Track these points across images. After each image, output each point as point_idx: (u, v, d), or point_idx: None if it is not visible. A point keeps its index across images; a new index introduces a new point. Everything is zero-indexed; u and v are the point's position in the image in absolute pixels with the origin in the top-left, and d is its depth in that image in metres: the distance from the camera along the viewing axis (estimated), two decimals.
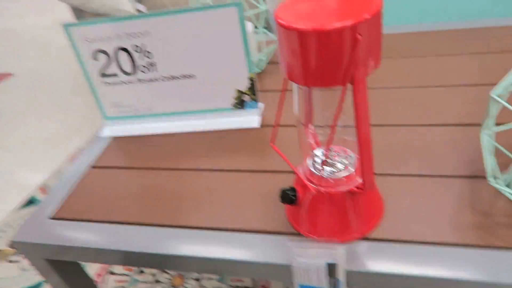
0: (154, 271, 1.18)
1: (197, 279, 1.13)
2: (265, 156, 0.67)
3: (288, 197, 0.48)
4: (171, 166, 0.69)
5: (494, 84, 0.75)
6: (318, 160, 0.50)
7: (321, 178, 0.48)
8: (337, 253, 0.44)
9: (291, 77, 0.38)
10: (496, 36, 0.90)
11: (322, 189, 0.47)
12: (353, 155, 0.50)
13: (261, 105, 0.78)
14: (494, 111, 0.48)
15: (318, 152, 0.51)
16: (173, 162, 0.69)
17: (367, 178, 0.44)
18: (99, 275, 1.20)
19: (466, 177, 0.56)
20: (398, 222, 0.52)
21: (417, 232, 0.50)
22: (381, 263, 0.48)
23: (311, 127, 0.51)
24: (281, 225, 0.54)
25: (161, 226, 0.58)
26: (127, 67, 0.73)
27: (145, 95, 0.76)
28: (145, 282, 1.15)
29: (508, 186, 0.53)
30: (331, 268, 0.45)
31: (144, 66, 0.73)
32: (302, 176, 0.50)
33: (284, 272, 0.50)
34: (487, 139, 0.50)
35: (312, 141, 0.53)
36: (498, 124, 0.57)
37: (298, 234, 0.52)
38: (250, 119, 0.75)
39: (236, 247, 0.53)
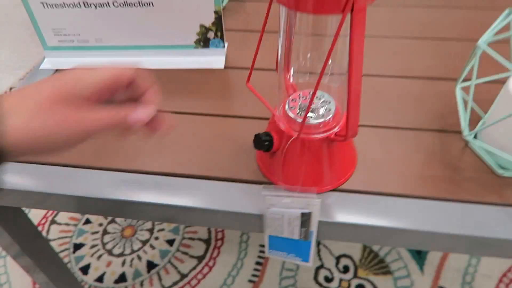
0: (101, 220, 1.12)
1: (150, 230, 1.09)
2: (232, 100, 0.62)
3: (263, 142, 0.44)
4: None
5: (467, 40, 0.73)
6: (297, 105, 0.46)
7: (298, 124, 0.45)
8: (313, 202, 0.41)
9: None
10: None
11: (301, 135, 0.44)
12: (333, 102, 0.46)
13: (226, 44, 0.72)
14: (477, 61, 0.46)
15: (297, 96, 0.47)
16: None
17: (352, 125, 0.40)
18: (40, 225, 1.12)
19: (436, 131, 0.56)
20: (369, 174, 0.50)
21: (387, 184, 0.49)
22: (351, 214, 0.46)
23: (292, 69, 0.47)
24: (251, 173, 0.51)
25: (116, 171, 0.52)
26: None
27: (93, 22, 0.67)
28: (92, 232, 1.09)
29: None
30: (304, 219, 0.43)
31: None
32: (279, 120, 0.46)
33: (254, 222, 0.47)
34: (462, 93, 0.49)
35: (291, 84, 0.48)
36: (465, 80, 0.56)
37: (269, 183, 0.49)
38: (214, 59, 0.69)
39: (202, 195, 0.49)
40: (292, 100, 0.47)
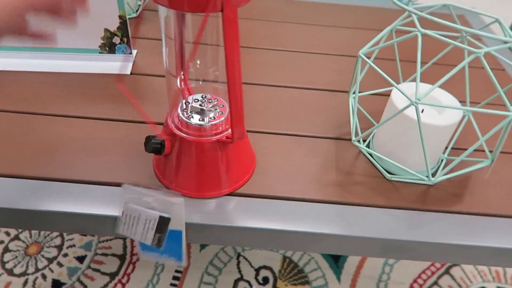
0: (2, 237, 1.02)
1: (59, 246, 1.01)
2: (131, 106, 0.60)
3: (153, 144, 0.43)
4: (19, 109, 0.57)
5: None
6: (189, 108, 0.45)
7: (190, 126, 0.44)
8: (174, 207, 0.40)
9: None
10: (366, 14, 0.95)
11: (190, 137, 0.43)
12: (226, 105, 0.46)
13: (134, 51, 0.70)
14: (359, 69, 0.48)
15: (190, 99, 0.46)
16: (23, 104, 0.58)
17: (236, 126, 0.40)
18: None
19: (333, 139, 0.58)
20: (267, 178, 0.50)
21: (284, 188, 0.49)
22: (247, 218, 0.46)
23: (183, 72, 0.46)
24: (147, 177, 0.49)
25: (5, 177, 0.47)
26: None
27: None
28: None
29: (367, 146, 0.55)
30: (162, 223, 0.40)
31: None
32: (171, 122, 0.44)
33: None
34: (353, 101, 0.51)
35: (188, 88, 0.48)
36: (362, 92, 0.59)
37: (166, 188, 0.47)
38: (120, 65, 0.67)
39: (96, 200, 0.46)
40: (185, 103, 0.46)
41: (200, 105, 0.45)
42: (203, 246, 1.06)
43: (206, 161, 0.45)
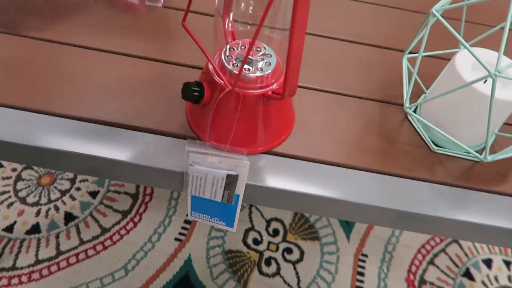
0: (16, 165, 1.01)
1: (72, 180, 1.01)
2: (166, 44, 0.55)
3: (192, 92, 0.39)
4: (40, 35, 0.52)
5: (424, 13, 0.71)
6: (234, 55, 0.41)
7: (234, 76, 0.39)
8: (241, 164, 0.37)
9: None
10: None
11: (235, 89, 0.39)
12: (274, 56, 0.42)
13: None
14: (428, 28, 0.43)
15: (236, 45, 0.41)
16: (46, 30, 0.53)
17: (291, 84, 0.36)
18: None
19: (378, 101, 0.53)
20: (304, 139, 0.47)
21: (322, 151, 0.46)
22: (281, 179, 0.43)
23: (231, 15, 0.41)
24: (179, 126, 0.45)
25: (31, 111, 0.44)
26: None
27: None
28: (3, 177, 0.99)
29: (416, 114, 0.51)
30: (230, 181, 0.38)
31: None
32: (213, 70, 0.40)
33: (175, 181, 0.43)
34: (408, 63, 0.46)
35: (231, 32, 0.43)
36: (413, 52, 0.54)
37: (198, 139, 0.44)
38: None
39: (122, 145, 0.43)
40: (230, 49, 0.41)
41: (248, 52, 0.40)
42: None
43: (246, 116, 0.41)
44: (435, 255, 1.04)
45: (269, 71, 0.40)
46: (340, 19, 0.65)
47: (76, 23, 0.55)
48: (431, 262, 1.02)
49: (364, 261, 0.99)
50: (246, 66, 0.40)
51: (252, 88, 0.40)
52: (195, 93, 0.39)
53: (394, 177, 0.46)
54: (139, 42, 0.54)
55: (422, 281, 0.98)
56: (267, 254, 0.96)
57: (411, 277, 0.99)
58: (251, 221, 1.02)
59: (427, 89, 0.53)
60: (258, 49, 0.41)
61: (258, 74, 0.40)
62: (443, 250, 1.05)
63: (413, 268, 1.01)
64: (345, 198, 0.43)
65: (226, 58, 0.40)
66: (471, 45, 0.53)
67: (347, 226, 1.05)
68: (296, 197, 0.43)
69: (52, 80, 0.48)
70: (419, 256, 1.03)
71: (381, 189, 0.44)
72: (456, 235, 0.46)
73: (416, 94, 0.54)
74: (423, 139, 0.49)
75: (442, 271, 1.01)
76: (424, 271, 1.01)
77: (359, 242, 1.03)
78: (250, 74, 0.39)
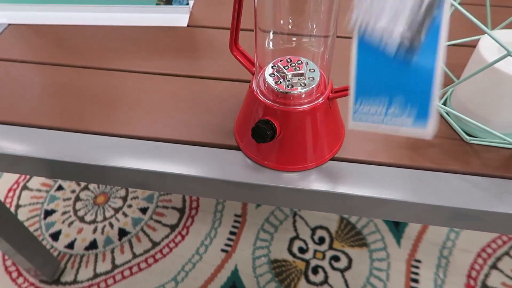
0: (74, 187, 1.10)
1: (124, 198, 1.07)
2: (195, 59, 0.58)
3: (266, 137, 0.38)
4: (86, 63, 0.57)
5: None
6: (279, 73, 0.41)
7: (281, 94, 0.39)
8: None
9: None
10: None
11: (286, 107, 0.38)
12: (317, 69, 0.42)
13: (190, 1, 0.67)
14: None
15: (279, 63, 0.41)
16: (90, 59, 0.58)
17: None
18: (11, 190, 1.10)
19: None
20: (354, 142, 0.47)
21: (349, 149, 0.46)
22: (321, 182, 0.43)
23: (271, 32, 0.41)
24: (224, 137, 0.47)
25: (91, 134, 0.48)
26: None
27: None
28: (64, 199, 1.07)
29: (443, 104, 0.49)
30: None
31: None
32: (254, 88, 0.41)
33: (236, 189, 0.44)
34: None
35: (272, 48, 0.43)
36: None
37: (248, 157, 0.45)
38: (177, 16, 0.64)
39: (183, 160, 0.45)
40: (272, 66, 0.41)
41: (295, 69, 0.41)
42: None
43: (316, 127, 0.41)
44: (498, 259, 0.96)
45: (314, 85, 0.40)
46: None
47: (106, 48, 0.60)
48: (494, 266, 0.95)
49: (417, 267, 0.95)
50: (290, 83, 0.40)
51: (297, 104, 0.40)
52: (269, 132, 0.39)
53: (424, 171, 0.44)
54: (170, 61, 0.58)
55: (485, 287, 0.92)
56: (313, 262, 0.95)
57: (472, 282, 0.93)
58: (295, 229, 1.01)
59: (457, 79, 0.51)
60: (299, 62, 0.42)
61: (307, 89, 0.40)
62: (507, 253, 0.97)
63: (473, 273, 0.94)
64: (373, 194, 0.42)
65: (269, 76, 0.41)
66: (500, 29, 0.50)
67: (397, 231, 1.01)
68: (322, 196, 0.43)
69: (102, 104, 0.52)
70: (479, 260, 0.96)
71: (410, 184, 0.43)
72: (499, 229, 0.43)
73: (446, 86, 0.52)
74: (454, 131, 0.47)
75: (507, 276, 0.93)
76: (486, 276, 0.94)
77: (411, 247, 0.98)
78: (301, 90, 0.40)
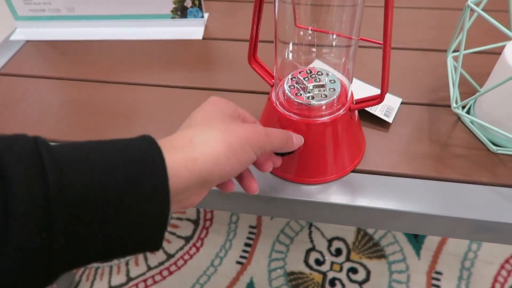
0: None
1: None
2: (211, 72, 0.58)
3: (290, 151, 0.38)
4: (103, 78, 0.58)
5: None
6: (299, 85, 0.40)
7: (301, 106, 0.39)
8: None
9: None
10: None
11: (316, 120, 0.38)
12: (337, 79, 0.41)
13: (205, 14, 0.67)
14: (467, 21, 0.41)
15: (299, 75, 0.41)
16: (107, 73, 0.58)
17: (386, 84, 0.38)
18: None
19: (426, 105, 0.51)
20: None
21: (370, 161, 0.45)
22: (341, 194, 0.42)
23: (290, 44, 0.41)
24: None
25: None
26: None
27: None
28: None
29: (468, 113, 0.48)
30: None
31: None
32: (274, 100, 0.40)
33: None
34: (452, 61, 0.44)
35: (292, 60, 0.42)
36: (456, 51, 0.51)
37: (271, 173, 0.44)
38: (193, 30, 0.64)
39: None
40: (291, 78, 0.41)
41: (315, 80, 0.40)
42: None
43: (336, 139, 0.40)
44: None
45: (334, 96, 0.39)
46: (379, 27, 0.64)
47: (123, 62, 0.60)
48: None
49: (438, 279, 0.92)
50: (310, 94, 0.39)
51: (318, 115, 0.39)
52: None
53: (450, 182, 0.43)
54: (185, 74, 0.57)
55: None
56: (330, 274, 0.93)
57: None
58: (311, 241, 0.99)
59: (480, 88, 0.50)
60: (319, 73, 0.41)
61: (327, 100, 0.39)
62: None
63: (497, 286, 0.91)
64: (394, 207, 0.41)
65: (289, 88, 0.40)
66: None
67: (416, 242, 0.99)
68: (342, 209, 0.42)
69: (130, 117, 0.52)
70: (503, 272, 0.93)
71: (435, 196, 0.41)
72: None
73: (470, 95, 0.50)
74: (479, 140, 0.46)
75: None
76: None
77: (431, 259, 0.96)
78: (319, 102, 0.39)
